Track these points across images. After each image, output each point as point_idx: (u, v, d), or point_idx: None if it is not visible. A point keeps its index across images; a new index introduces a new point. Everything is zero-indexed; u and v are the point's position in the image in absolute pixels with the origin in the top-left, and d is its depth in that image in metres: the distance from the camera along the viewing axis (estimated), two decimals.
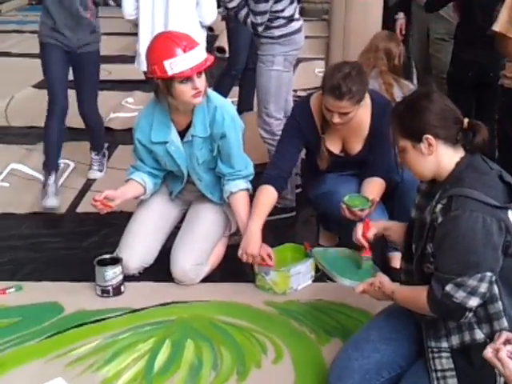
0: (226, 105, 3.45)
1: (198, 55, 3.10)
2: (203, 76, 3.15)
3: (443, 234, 2.20)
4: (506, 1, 3.37)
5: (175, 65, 3.05)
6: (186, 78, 3.07)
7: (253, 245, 3.19)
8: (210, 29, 4.94)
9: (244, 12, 3.92)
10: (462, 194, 2.17)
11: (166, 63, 3.05)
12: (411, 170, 2.42)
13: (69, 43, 4.27)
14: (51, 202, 4.08)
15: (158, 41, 3.19)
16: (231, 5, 3.98)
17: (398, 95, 4.10)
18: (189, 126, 3.33)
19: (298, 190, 4.11)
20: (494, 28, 3.36)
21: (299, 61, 4.10)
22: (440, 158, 2.31)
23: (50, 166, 4.27)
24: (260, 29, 3.91)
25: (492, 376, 2.27)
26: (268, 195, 3.35)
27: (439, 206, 2.22)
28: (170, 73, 3.05)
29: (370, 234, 2.72)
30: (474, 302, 2.16)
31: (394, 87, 4.13)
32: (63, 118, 4.40)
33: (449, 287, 2.16)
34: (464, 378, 2.30)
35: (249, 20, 3.92)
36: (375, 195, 3.26)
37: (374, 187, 3.33)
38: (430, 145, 2.28)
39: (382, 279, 2.46)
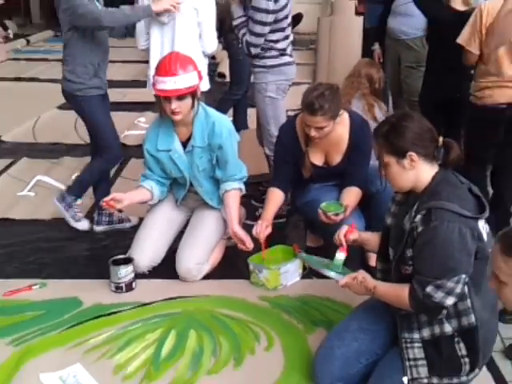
0: (223, 119, 3.46)
1: (178, 83, 3.11)
2: (185, 100, 3.17)
3: (424, 241, 2.21)
4: (470, 19, 3.47)
5: (157, 82, 3.16)
6: (163, 97, 3.15)
7: (264, 227, 3.27)
8: (212, 57, 4.92)
9: (243, 31, 3.91)
10: (440, 206, 2.18)
11: (155, 77, 3.18)
12: (392, 183, 2.42)
13: (104, 86, 3.86)
14: (83, 225, 3.96)
15: (165, 57, 3.29)
16: (235, 22, 4.02)
17: (379, 115, 4.16)
18: (190, 137, 3.34)
19: None
20: (457, 40, 3.46)
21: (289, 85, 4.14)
22: (419, 172, 2.32)
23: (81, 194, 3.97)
24: (253, 50, 3.89)
25: (458, 365, 2.30)
26: (277, 194, 3.43)
27: (419, 217, 2.23)
28: (155, 86, 3.17)
29: (351, 238, 2.71)
30: (450, 301, 2.19)
31: (375, 107, 4.20)
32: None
33: (429, 288, 2.18)
34: (433, 366, 2.31)
35: (245, 39, 3.91)
36: (351, 202, 3.30)
37: (351, 195, 3.35)
38: (412, 161, 2.29)
39: (365, 275, 2.45)
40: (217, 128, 3.31)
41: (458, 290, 2.19)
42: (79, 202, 3.96)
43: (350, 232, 2.72)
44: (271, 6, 3.74)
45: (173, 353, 2.78)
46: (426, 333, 2.32)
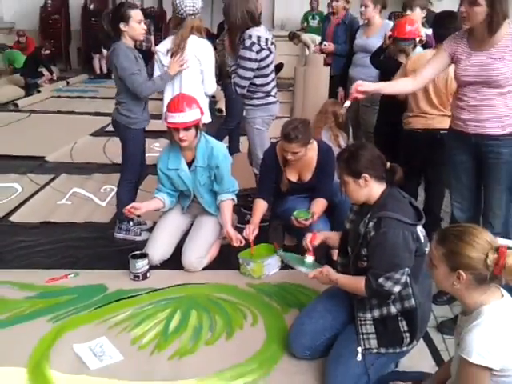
0: (220, 145, 3.45)
1: (183, 117, 3.14)
2: (190, 130, 3.19)
3: (376, 243, 2.23)
4: (401, 67, 3.62)
5: (168, 116, 3.19)
6: (173, 128, 3.17)
7: (252, 230, 3.30)
8: (212, 96, 4.92)
9: (233, 75, 3.89)
10: (388, 216, 2.21)
11: (166, 113, 3.21)
12: (350, 196, 2.43)
13: (149, 120, 3.79)
14: (143, 237, 3.79)
15: (174, 97, 3.33)
16: (231, 69, 3.98)
17: (342, 142, 4.19)
18: (194, 159, 3.35)
19: None
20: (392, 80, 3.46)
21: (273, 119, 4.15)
22: (371, 189, 2.34)
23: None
24: (239, 90, 3.84)
25: (400, 338, 2.32)
26: (262, 204, 3.44)
27: (371, 224, 2.26)
28: (167, 120, 3.20)
29: (315, 243, 2.71)
30: (397, 288, 2.22)
31: (339, 137, 4.22)
32: None
33: (381, 280, 2.20)
34: (381, 339, 2.32)
35: (233, 80, 3.87)
36: (318, 210, 3.32)
37: (319, 205, 3.37)
38: (366, 181, 2.32)
39: (329, 269, 2.46)
40: (215, 152, 3.31)
41: (403, 280, 2.21)
42: (132, 223, 3.83)
43: (314, 239, 2.72)
44: (253, 55, 3.72)
45: (178, 328, 2.78)
46: (376, 313, 2.33)
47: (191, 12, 3.68)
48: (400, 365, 2.43)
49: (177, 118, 3.15)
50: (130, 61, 3.48)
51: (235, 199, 3.47)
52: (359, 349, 2.30)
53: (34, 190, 4.81)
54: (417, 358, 2.48)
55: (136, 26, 3.51)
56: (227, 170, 3.38)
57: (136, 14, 3.50)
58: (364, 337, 2.32)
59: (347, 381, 2.26)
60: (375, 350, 2.30)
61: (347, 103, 2.85)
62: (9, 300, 3.00)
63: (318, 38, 7.80)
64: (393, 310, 2.30)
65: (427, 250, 2.25)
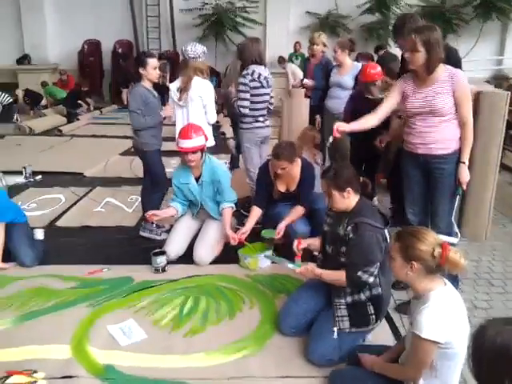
0: (221, 164, 3.47)
1: (191, 143, 3.16)
2: (197, 153, 3.21)
3: (355, 243, 2.23)
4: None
5: (179, 142, 3.20)
6: (183, 152, 3.19)
7: (241, 233, 3.25)
8: (217, 121, 4.92)
9: (236, 100, 3.91)
10: (363, 221, 2.22)
11: (178, 139, 3.22)
12: (334, 205, 2.38)
13: (160, 143, 3.72)
14: (162, 237, 3.75)
15: (184, 126, 3.33)
16: (233, 99, 3.99)
17: (319, 160, 4.18)
18: (200, 175, 3.36)
19: None
20: None
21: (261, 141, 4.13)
22: (351, 199, 2.33)
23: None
24: (242, 110, 3.82)
25: (368, 320, 2.32)
26: (257, 210, 3.40)
27: (349, 228, 2.25)
28: (178, 145, 3.20)
29: (301, 247, 2.66)
30: (371, 279, 2.23)
31: (316, 155, 4.22)
32: None
33: (359, 273, 2.21)
34: (353, 321, 2.32)
35: (236, 104, 3.88)
36: (295, 215, 3.31)
37: (296, 210, 3.35)
38: (348, 193, 2.31)
39: (313, 266, 2.44)
40: (217, 170, 3.33)
41: (375, 272, 2.22)
42: (154, 225, 3.79)
43: (299, 244, 2.66)
44: (246, 82, 3.77)
45: (190, 312, 2.79)
46: (349, 299, 2.33)
47: (192, 56, 3.72)
48: (366, 339, 2.43)
49: (186, 144, 3.16)
50: (136, 101, 3.50)
51: (234, 207, 3.46)
52: (335, 328, 2.30)
53: (74, 199, 4.81)
54: (380, 334, 2.48)
55: (151, 71, 3.54)
56: (227, 183, 3.38)
57: (152, 62, 3.52)
58: (339, 319, 2.32)
59: (325, 353, 2.26)
60: (347, 330, 2.31)
61: (331, 139, 2.82)
62: (55, 290, 3.01)
63: (300, 72, 7.77)
64: (362, 297, 2.30)
65: None
